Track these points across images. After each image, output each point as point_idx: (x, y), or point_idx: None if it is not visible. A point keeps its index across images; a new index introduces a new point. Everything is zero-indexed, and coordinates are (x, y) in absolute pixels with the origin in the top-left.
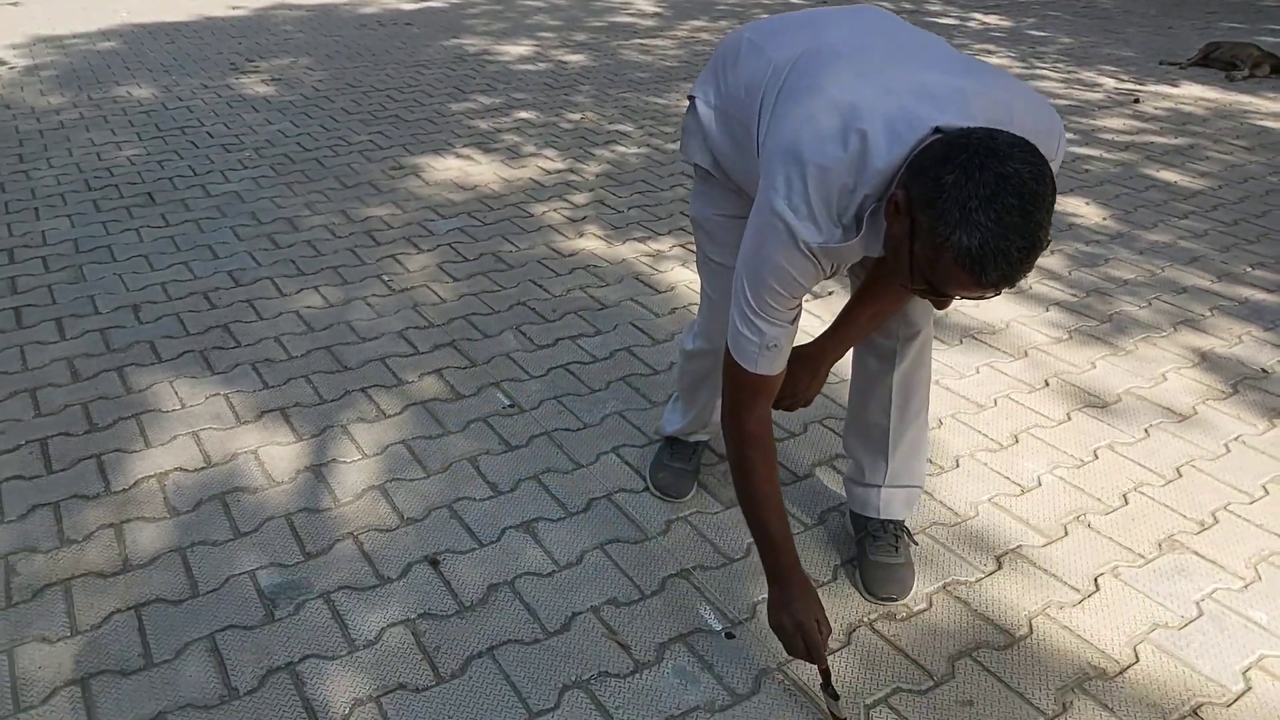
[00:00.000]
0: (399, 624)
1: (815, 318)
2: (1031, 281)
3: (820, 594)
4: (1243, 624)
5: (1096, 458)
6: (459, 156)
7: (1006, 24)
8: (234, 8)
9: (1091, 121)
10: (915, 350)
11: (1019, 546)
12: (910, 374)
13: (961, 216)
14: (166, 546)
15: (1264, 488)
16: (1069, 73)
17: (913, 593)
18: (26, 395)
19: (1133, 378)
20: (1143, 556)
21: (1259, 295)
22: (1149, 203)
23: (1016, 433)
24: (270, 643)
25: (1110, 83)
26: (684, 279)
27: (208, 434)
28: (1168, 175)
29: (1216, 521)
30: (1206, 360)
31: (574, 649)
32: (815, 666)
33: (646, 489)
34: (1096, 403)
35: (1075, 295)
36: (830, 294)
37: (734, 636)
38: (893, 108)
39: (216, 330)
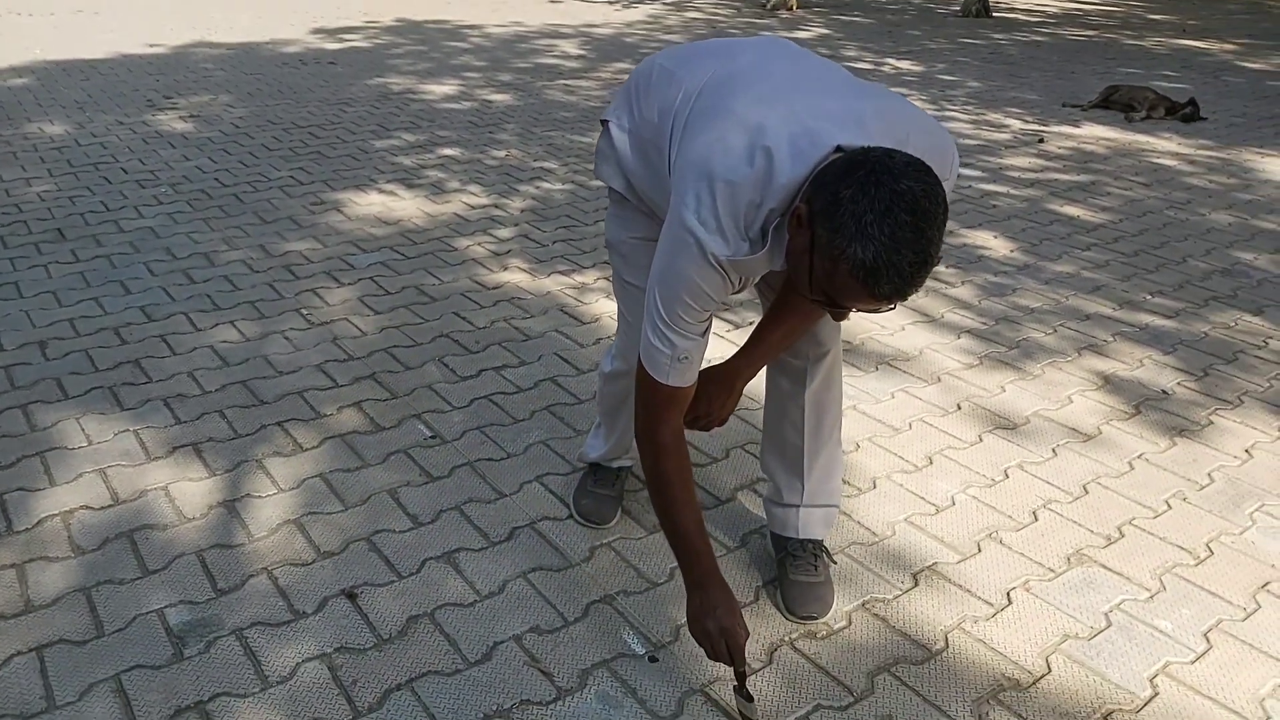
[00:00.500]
0: (314, 659)
1: (732, 345)
2: (943, 311)
3: (744, 614)
4: (1149, 633)
5: (1007, 477)
6: (382, 192)
7: (918, 69)
8: (152, 45)
9: (999, 160)
10: (825, 370)
11: (934, 564)
12: (821, 393)
13: (857, 230)
14: (71, 586)
15: (1167, 503)
16: (977, 114)
17: (833, 611)
18: None
19: (1040, 400)
20: (1053, 571)
21: (1158, 321)
22: (1054, 236)
23: (930, 454)
24: (179, 682)
25: (1016, 124)
26: (609, 310)
27: (116, 471)
28: (1071, 210)
29: (1122, 536)
30: (1110, 383)
31: (495, 678)
32: (733, 670)
33: (570, 516)
34: (1006, 425)
35: (985, 323)
36: (749, 322)
37: (657, 660)
38: (797, 127)
39: (127, 366)
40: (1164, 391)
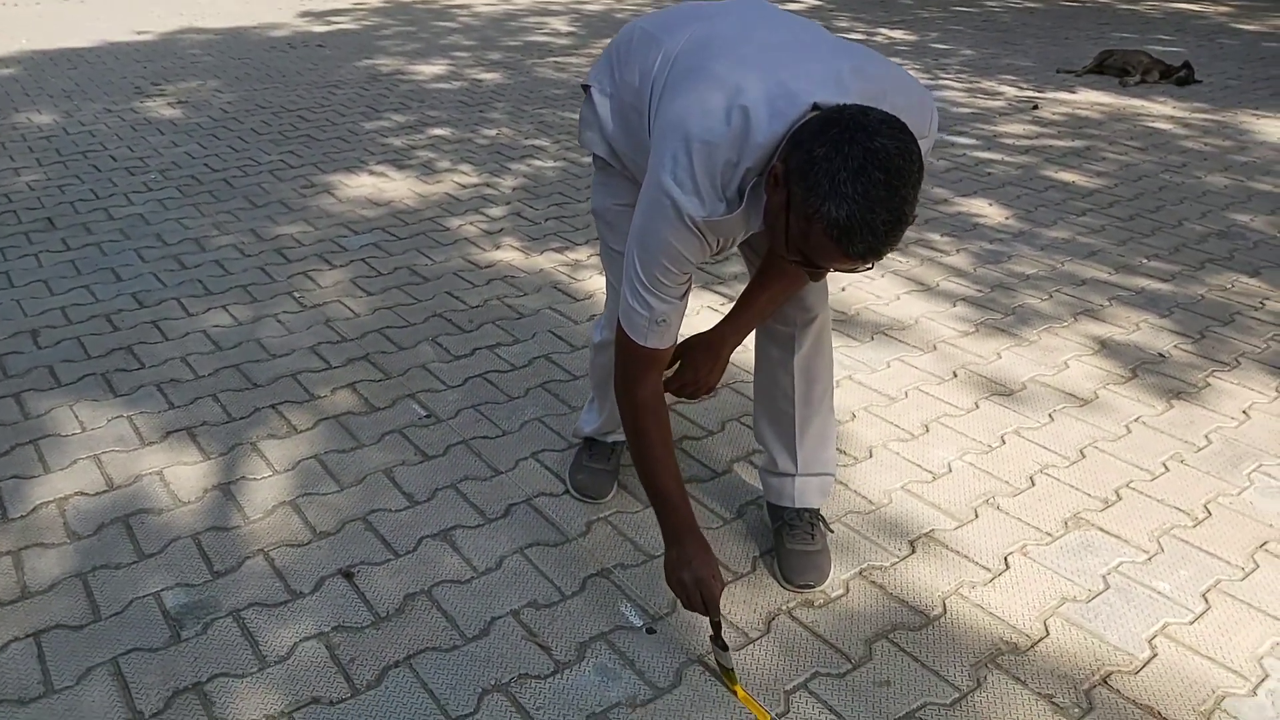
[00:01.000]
0: (312, 638)
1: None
2: (938, 279)
3: (739, 585)
4: (1147, 595)
5: (1004, 443)
6: (372, 174)
7: (911, 38)
8: (139, 33)
9: (993, 127)
10: (814, 335)
11: (931, 530)
12: (811, 359)
13: (831, 188)
14: (67, 572)
15: (1164, 465)
16: (971, 82)
17: (830, 579)
18: None
19: (1036, 366)
20: (1050, 535)
21: (1154, 285)
22: (1049, 202)
23: (927, 422)
24: (176, 664)
25: (1010, 91)
26: (603, 285)
27: (110, 457)
28: (1066, 176)
29: (1119, 499)
30: (1106, 347)
31: (493, 653)
32: (709, 620)
33: (566, 492)
34: (1002, 391)
35: (980, 290)
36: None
37: (655, 631)
38: (775, 87)
39: (119, 353)
40: (1161, 354)
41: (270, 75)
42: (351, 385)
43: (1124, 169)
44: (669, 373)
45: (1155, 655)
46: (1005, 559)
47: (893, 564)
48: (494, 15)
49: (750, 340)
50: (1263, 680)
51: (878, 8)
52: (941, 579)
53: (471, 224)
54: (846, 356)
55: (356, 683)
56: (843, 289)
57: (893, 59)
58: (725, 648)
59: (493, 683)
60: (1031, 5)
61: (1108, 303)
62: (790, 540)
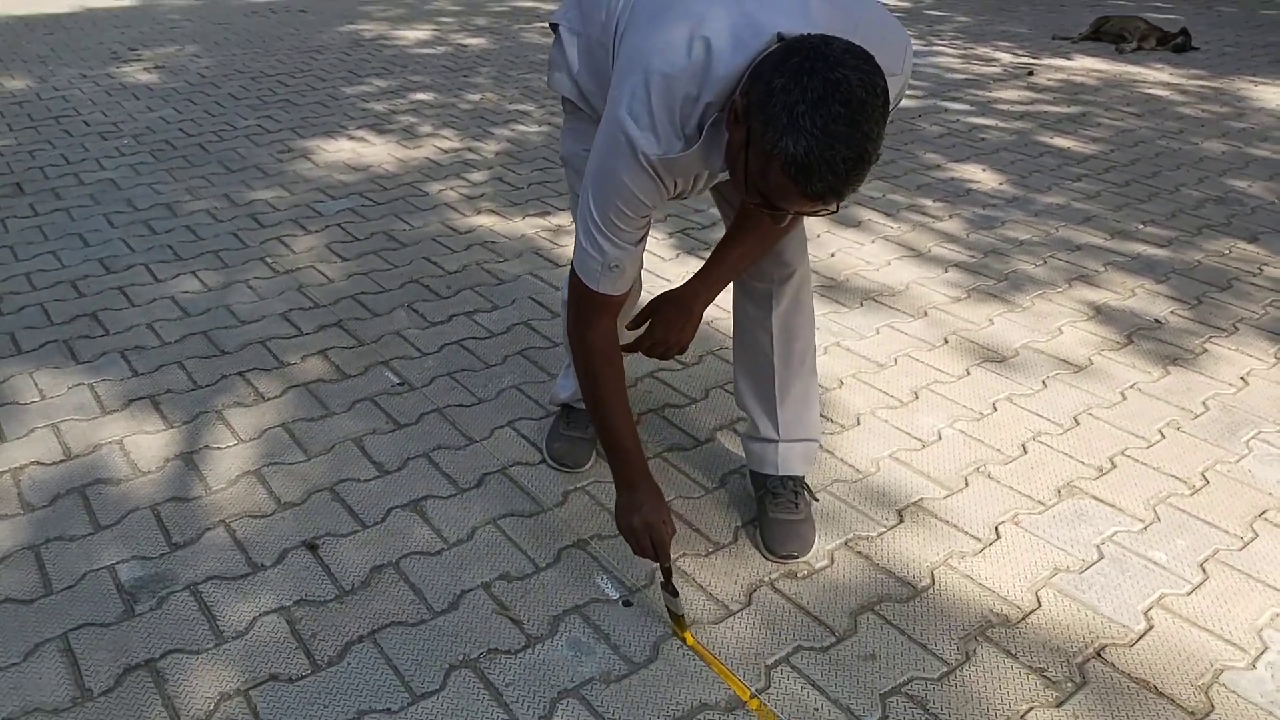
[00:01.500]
0: (272, 612)
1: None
2: (930, 245)
3: (720, 556)
4: (1143, 565)
5: (995, 410)
6: (352, 139)
7: (905, 5)
8: None
9: (988, 93)
10: (792, 292)
11: (920, 500)
12: (789, 316)
13: (789, 122)
14: (18, 544)
15: (1160, 432)
16: (966, 48)
17: (814, 549)
18: None
19: (1030, 332)
20: (1042, 504)
21: (1151, 250)
22: (1043, 168)
23: (916, 389)
24: (129, 640)
25: (1006, 57)
26: None
27: (69, 425)
28: (1061, 142)
29: (1115, 466)
30: (1101, 313)
31: (462, 628)
32: (659, 566)
33: (543, 461)
34: (995, 357)
35: (973, 256)
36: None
37: (632, 604)
38: (739, 17)
39: (83, 319)
40: (1157, 320)
41: (250, 40)
42: (323, 352)
43: (1120, 135)
44: (639, 331)
45: (1151, 627)
46: (996, 528)
47: (879, 534)
48: None
49: (729, 302)
50: (1262, 653)
51: None
52: (930, 549)
53: (452, 189)
54: (834, 323)
55: (318, 658)
56: (832, 254)
57: None
58: (676, 594)
59: (460, 658)
60: None
61: (1103, 268)
62: (773, 509)
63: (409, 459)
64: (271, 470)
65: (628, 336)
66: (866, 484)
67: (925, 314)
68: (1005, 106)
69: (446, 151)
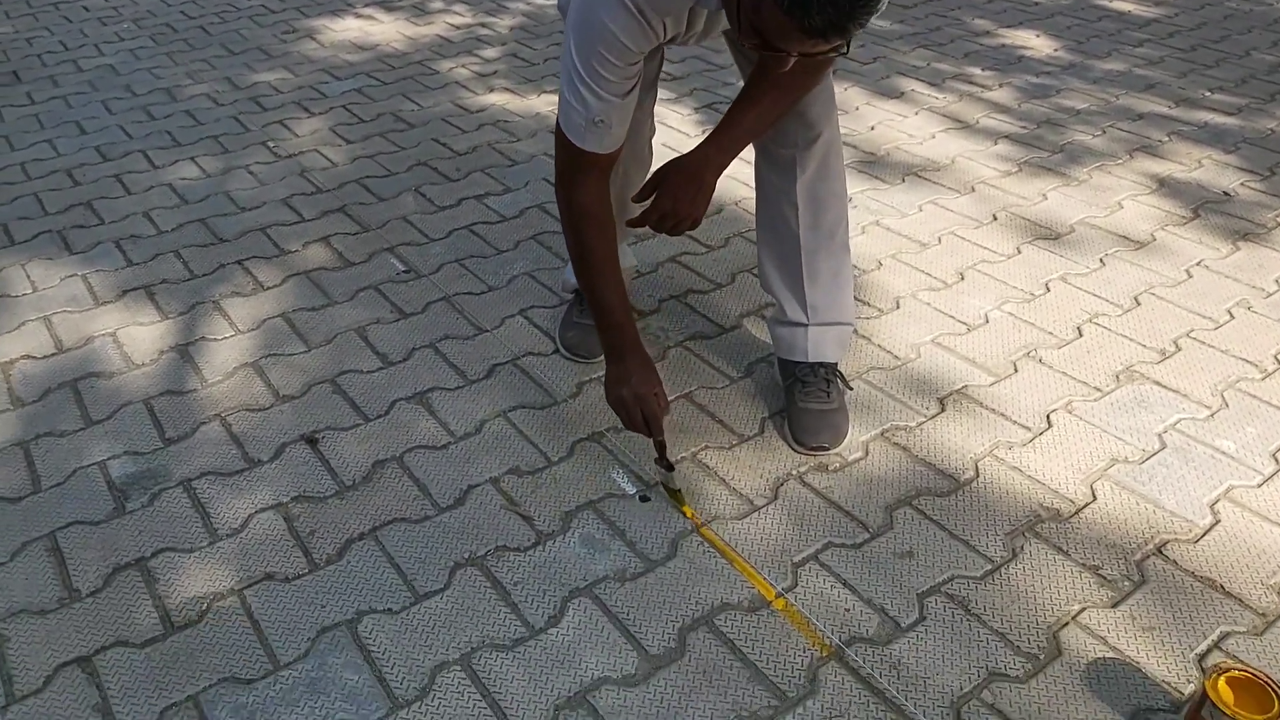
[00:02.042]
0: (269, 509)
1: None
2: (978, 116)
3: (745, 449)
4: (1209, 454)
5: (1048, 290)
6: (359, 16)
7: None
8: None
9: None
10: (818, 157)
11: (964, 387)
12: (816, 184)
13: None
14: (7, 440)
15: (1229, 312)
16: None
17: (847, 441)
18: None
19: (1087, 207)
20: (1099, 390)
21: (1219, 119)
22: (1102, 33)
23: (962, 270)
24: (119, 538)
25: None
26: None
27: (61, 318)
28: (1121, 5)
29: (1179, 349)
30: (1165, 186)
31: (468, 524)
32: (652, 441)
33: (556, 351)
34: (1048, 235)
35: (1025, 127)
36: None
37: (649, 500)
38: None
39: (78, 209)
40: (1226, 193)
41: None
42: (325, 239)
43: None
44: (645, 204)
45: (1217, 522)
46: (1047, 417)
47: (919, 424)
48: None
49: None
50: None
51: None
52: (974, 440)
53: (463, 66)
54: (874, 200)
55: (315, 557)
56: (871, 128)
57: None
58: (670, 468)
59: (466, 555)
60: None
61: (1167, 138)
62: (803, 398)
63: (414, 349)
64: (270, 362)
65: (632, 211)
66: (906, 371)
67: (972, 189)
68: None
69: (458, 27)
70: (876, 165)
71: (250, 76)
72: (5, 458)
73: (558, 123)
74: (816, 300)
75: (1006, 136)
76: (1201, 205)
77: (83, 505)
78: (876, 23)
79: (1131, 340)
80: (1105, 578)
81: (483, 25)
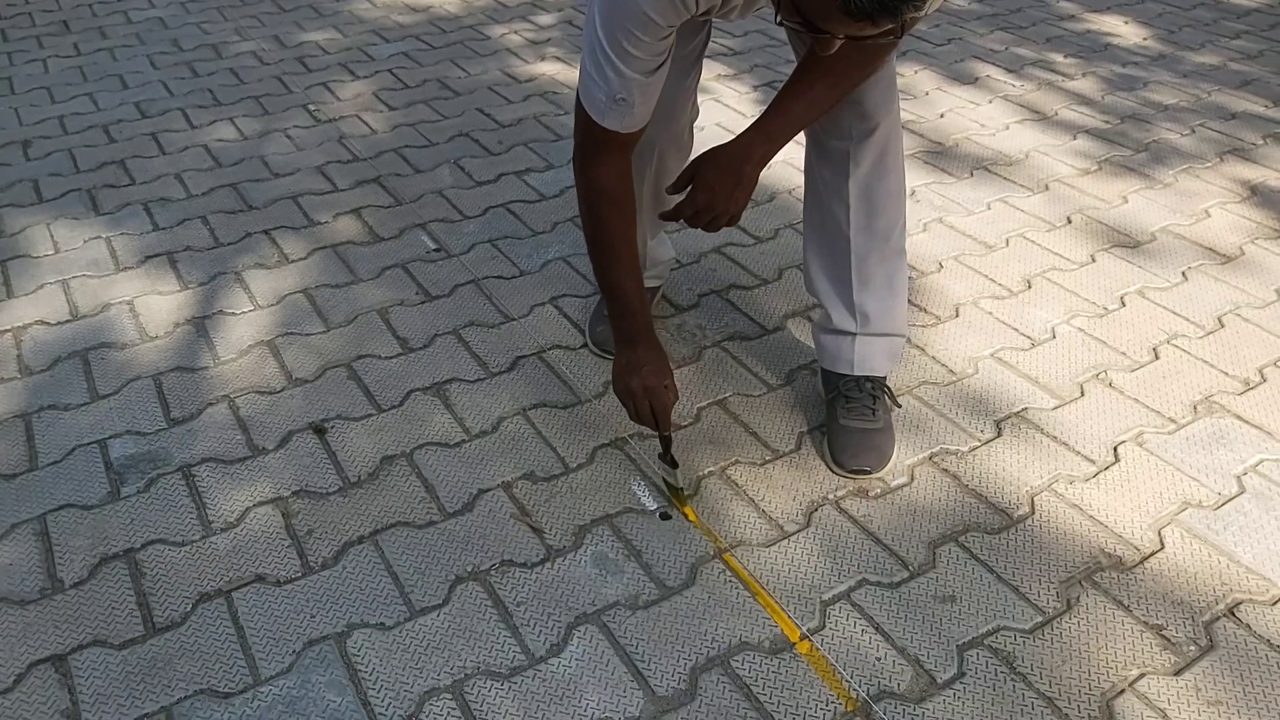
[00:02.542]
0: (267, 503)
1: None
2: (1057, 107)
3: (778, 466)
4: None
5: (1123, 305)
6: None
7: None
8: None
9: None
10: (875, 152)
11: (1024, 409)
12: (871, 182)
13: None
14: (9, 411)
15: None
16: None
17: (890, 464)
18: None
19: (1170, 214)
20: (1174, 421)
21: None
22: (1196, 21)
23: (1029, 276)
24: (109, 526)
25: None
26: None
27: (79, 283)
28: None
29: (1264, 380)
30: (1257, 194)
31: (474, 533)
32: (658, 435)
33: (585, 345)
34: (1126, 242)
35: (1108, 121)
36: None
37: (670, 518)
38: None
39: (111, 167)
40: None
41: None
42: (356, 211)
43: None
44: (680, 196)
45: None
46: (1115, 449)
47: (972, 449)
48: None
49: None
50: None
51: None
52: (1032, 470)
53: (516, 32)
54: (938, 195)
55: (310, 559)
56: (941, 115)
57: None
58: (675, 465)
59: (469, 569)
60: None
61: (1262, 141)
62: (845, 415)
63: (436, 335)
64: (286, 341)
65: (668, 203)
66: (961, 388)
67: (1046, 188)
68: None
69: None
70: (943, 156)
71: (299, 35)
72: (5, 430)
73: (578, 94)
74: (866, 308)
75: (1087, 131)
76: None
77: (77, 487)
78: (954, 1)
79: (1212, 367)
80: (1169, 640)
81: None
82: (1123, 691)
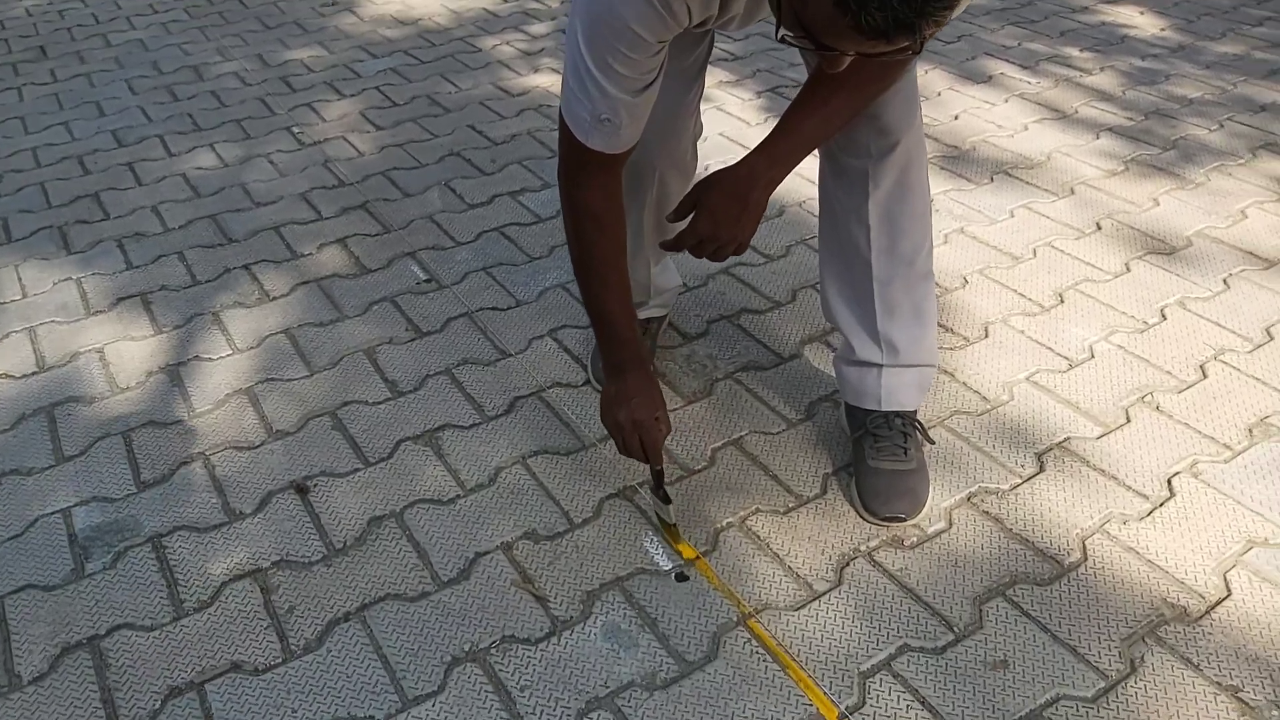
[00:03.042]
0: (245, 576)
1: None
2: (1076, 104)
3: (804, 515)
4: None
5: (1164, 319)
6: None
7: None
8: None
9: None
10: (896, 171)
11: (1066, 439)
12: (893, 203)
13: None
14: None
15: None
16: None
17: (926, 509)
18: None
19: (1205, 216)
20: (1229, 448)
21: None
22: (1215, 9)
23: (1061, 290)
24: (72, 609)
25: None
26: None
27: (47, 329)
28: None
29: None
30: None
31: (472, 605)
32: (649, 469)
33: (588, 382)
34: (1161, 248)
35: (1131, 119)
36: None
37: (688, 579)
38: None
39: (84, 201)
40: None
41: None
42: (342, 241)
43: None
44: (681, 225)
45: None
46: (1168, 482)
47: (1013, 486)
48: None
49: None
50: None
51: None
52: (1081, 510)
53: (508, 44)
54: (957, 203)
55: (291, 641)
56: (955, 117)
57: None
58: (668, 500)
59: (467, 648)
60: None
61: None
62: (874, 455)
63: (428, 376)
64: (266, 389)
65: (671, 230)
66: (996, 418)
67: (1072, 191)
68: None
69: (506, 1)
70: (961, 161)
71: (283, 54)
72: None
73: (560, 110)
74: (893, 337)
75: (1110, 129)
76: None
77: (39, 565)
78: None
79: (1264, 384)
80: (1247, 703)
81: None
82: None
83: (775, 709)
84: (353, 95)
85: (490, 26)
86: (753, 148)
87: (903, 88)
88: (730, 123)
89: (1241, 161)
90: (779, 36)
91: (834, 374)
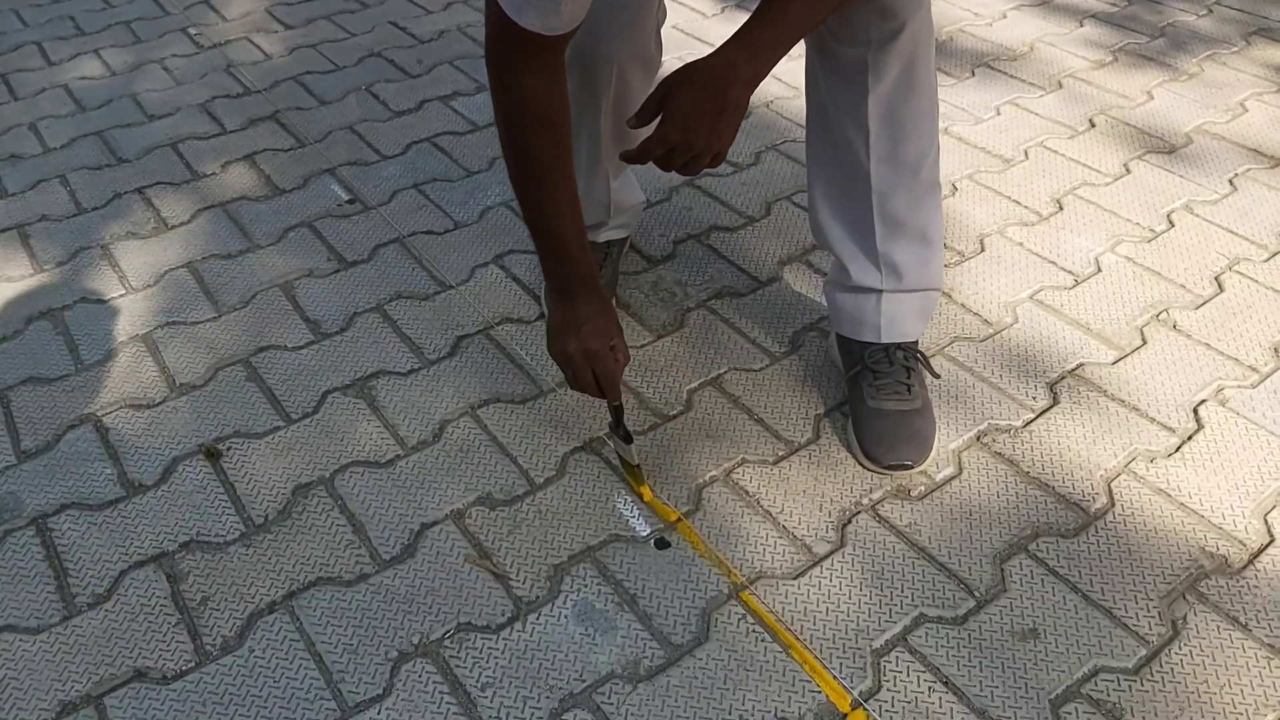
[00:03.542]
0: (148, 562)
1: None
2: None
3: (795, 464)
4: None
5: (1171, 225)
6: None
7: None
8: None
9: None
10: (902, 60)
11: (1079, 366)
12: (897, 99)
13: None
14: None
15: None
16: None
17: (933, 453)
18: None
19: (1203, 109)
20: (1254, 370)
21: None
22: None
23: (1059, 196)
24: None
25: None
26: None
27: None
28: None
29: None
30: None
31: (419, 587)
32: (607, 404)
33: (541, 316)
34: (1161, 147)
35: (1114, 4)
36: None
37: (669, 545)
38: None
39: None
40: None
41: None
42: (250, 157)
43: None
44: (646, 131)
45: None
46: (1194, 411)
47: (1026, 423)
48: None
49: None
50: None
51: None
52: (1102, 447)
53: None
54: (940, 100)
55: (207, 641)
56: None
57: None
58: (630, 440)
59: (416, 640)
60: None
61: None
62: (874, 395)
63: (356, 314)
64: (167, 334)
65: (633, 138)
66: (1001, 343)
67: (1060, 85)
68: None
69: None
70: (938, 54)
71: None
72: None
73: None
74: (895, 259)
75: (1093, 15)
76: None
77: None
78: None
79: None
80: None
81: None
82: None
83: (779, 698)
84: None
85: None
86: (728, 37)
87: None
88: (682, 13)
89: (1235, 49)
90: None
91: (823, 300)
